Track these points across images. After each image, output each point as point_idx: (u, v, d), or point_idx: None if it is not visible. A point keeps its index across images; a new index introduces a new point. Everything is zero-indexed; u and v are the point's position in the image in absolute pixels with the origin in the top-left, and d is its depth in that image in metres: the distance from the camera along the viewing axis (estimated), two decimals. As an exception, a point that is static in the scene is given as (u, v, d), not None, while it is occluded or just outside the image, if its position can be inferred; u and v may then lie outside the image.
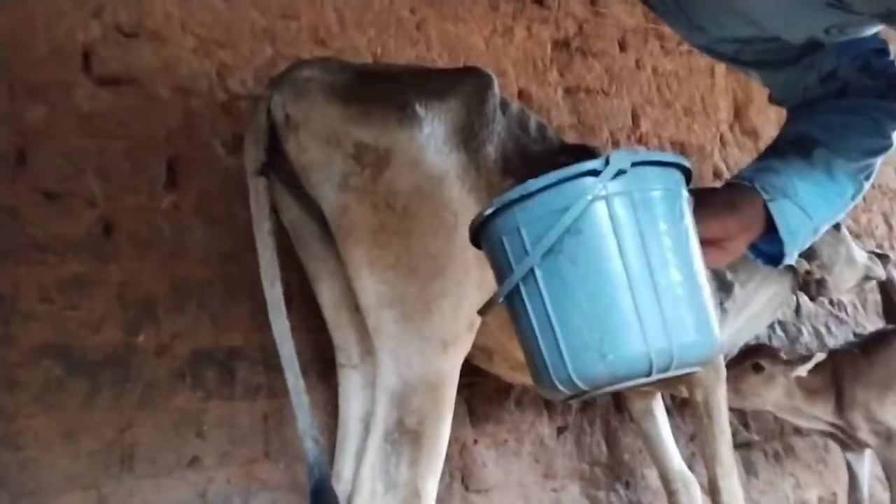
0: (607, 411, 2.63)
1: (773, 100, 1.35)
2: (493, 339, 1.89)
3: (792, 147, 1.22)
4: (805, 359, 2.60)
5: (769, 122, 3.27)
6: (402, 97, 1.56)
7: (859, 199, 1.24)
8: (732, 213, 1.14)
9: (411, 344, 1.57)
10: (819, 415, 2.67)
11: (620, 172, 0.94)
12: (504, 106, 1.77)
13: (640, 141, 2.84)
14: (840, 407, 2.65)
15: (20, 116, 1.88)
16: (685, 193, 1.02)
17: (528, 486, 2.41)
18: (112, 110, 1.98)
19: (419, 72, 1.77)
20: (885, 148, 1.21)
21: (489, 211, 1.03)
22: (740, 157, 3.20)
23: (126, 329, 1.90)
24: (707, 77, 3.13)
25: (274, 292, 1.66)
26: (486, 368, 2.05)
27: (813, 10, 1.02)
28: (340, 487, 1.72)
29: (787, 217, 1.15)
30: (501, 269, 1.03)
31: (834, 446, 3.12)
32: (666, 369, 0.95)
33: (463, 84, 1.65)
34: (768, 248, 1.19)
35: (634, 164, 0.97)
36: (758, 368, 2.51)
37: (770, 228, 1.16)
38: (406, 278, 1.57)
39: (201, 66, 2.09)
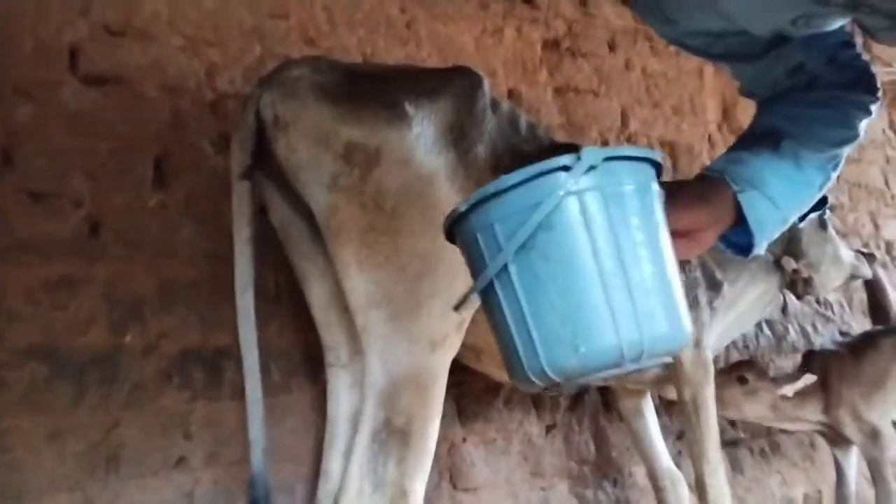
0: (596, 410, 2.64)
1: (742, 92, 1.37)
2: (482, 339, 1.89)
3: (761, 139, 1.23)
4: (792, 378, 2.63)
5: (757, 121, 3.28)
6: (393, 97, 1.57)
7: (826, 189, 1.26)
8: (702, 205, 1.15)
9: (399, 344, 1.58)
10: (807, 415, 2.69)
11: (592, 168, 0.95)
12: (494, 105, 1.78)
13: (629, 141, 2.85)
14: (828, 405, 2.68)
15: (6, 116, 1.86)
16: (656, 187, 1.03)
17: (516, 484, 2.42)
18: (99, 109, 1.97)
19: (409, 71, 1.77)
20: (852, 139, 1.24)
21: (464, 207, 1.04)
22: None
23: (113, 329, 1.89)
24: (696, 78, 3.15)
25: (245, 299, 1.67)
26: (474, 367, 2.05)
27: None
28: (328, 486, 1.74)
29: (756, 208, 1.17)
30: (476, 264, 1.04)
31: (820, 444, 3.16)
32: (637, 360, 0.98)
33: (453, 84, 1.66)
34: (738, 239, 1.21)
35: (606, 160, 0.98)
36: (742, 381, 2.54)
37: (740, 220, 1.18)
38: (395, 278, 1.58)
39: (189, 65, 2.08)
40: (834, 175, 1.26)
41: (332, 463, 1.76)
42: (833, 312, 3.45)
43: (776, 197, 1.19)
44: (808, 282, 2.74)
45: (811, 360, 2.89)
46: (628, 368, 1.00)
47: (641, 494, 2.65)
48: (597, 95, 2.85)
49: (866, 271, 2.78)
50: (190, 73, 2.11)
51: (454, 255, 1.60)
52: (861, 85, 1.25)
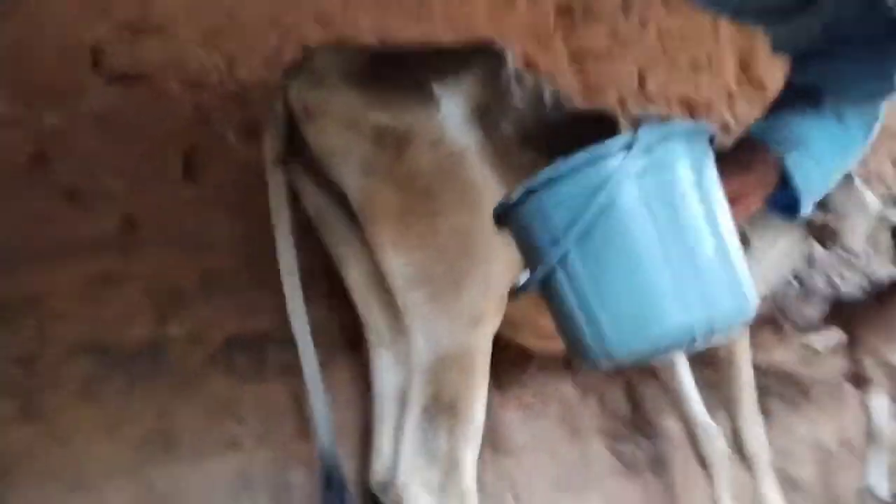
0: (630, 370, 2.68)
1: (774, 50, 1.36)
2: (522, 313, 1.93)
3: (799, 98, 1.24)
4: (820, 329, 2.66)
5: (775, 74, 3.25)
6: (418, 79, 1.58)
7: (869, 143, 1.26)
8: (746, 171, 1.17)
9: (442, 322, 1.62)
10: (834, 361, 2.73)
11: (647, 148, 0.95)
12: (518, 78, 1.78)
13: (647, 101, 2.84)
14: (853, 350, 2.71)
15: (37, 120, 1.90)
16: (711, 160, 1.03)
17: (554, 444, 2.47)
18: (124, 108, 2.00)
19: (432, 51, 1.77)
20: (891, 90, 1.23)
21: (517, 195, 1.04)
22: (749, 110, 3.18)
23: (157, 321, 1.95)
24: (712, 34, 3.11)
25: (292, 282, 1.71)
26: (512, 339, 2.09)
27: None
28: (380, 462, 1.80)
29: (801, 169, 1.18)
30: (531, 253, 1.04)
31: (849, 390, 3.19)
32: (708, 336, 0.98)
33: (477, 61, 1.67)
34: (784, 201, 1.22)
35: (662, 138, 0.99)
36: (776, 329, 2.57)
37: (783, 182, 1.19)
38: (433, 258, 1.61)
39: (209, 58, 2.10)
40: (877, 128, 1.26)
41: (383, 440, 1.82)
42: (859, 260, 3.44)
43: (820, 155, 1.20)
44: (834, 231, 2.75)
45: (838, 309, 2.92)
46: (699, 347, 1.01)
47: (675, 448, 2.70)
48: (613, 58, 2.83)
49: (894, 217, 2.78)
50: (210, 67, 2.13)
51: (490, 233, 1.66)
52: (895, 36, 1.24)
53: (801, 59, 1.29)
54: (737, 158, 1.18)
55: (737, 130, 2.92)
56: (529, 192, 1.03)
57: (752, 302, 1.02)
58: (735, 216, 1.08)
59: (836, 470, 3.05)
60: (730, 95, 3.13)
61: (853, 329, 2.73)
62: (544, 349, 2.23)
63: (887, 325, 2.78)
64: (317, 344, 2.09)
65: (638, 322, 0.95)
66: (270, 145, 1.72)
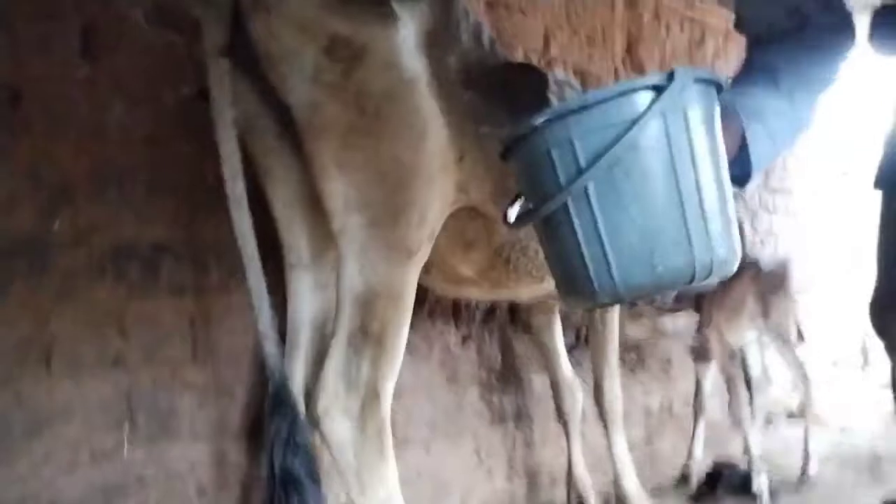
0: (504, 323, 2.77)
1: (738, 27, 1.47)
2: (436, 253, 1.91)
3: (760, 74, 1.34)
4: (672, 310, 2.93)
5: (654, 61, 3.48)
6: None
7: (809, 128, 1.40)
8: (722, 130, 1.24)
9: (378, 250, 1.57)
10: (682, 334, 3.02)
11: (681, 89, 0.98)
12: (465, 14, 1.74)
13: (549, 66, 2.90)
14: (700, 326, 3.01)
15: None
16: (718, 111, 1.09)
17: (434, 389, 2.51)
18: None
19: None
20: (832, 82, 1.38)
21: (539, 120, 1.03)
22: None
23: (39, 215, 1.69)
24: (608, 9, 3.24)
25: (236, 189, 1.57)
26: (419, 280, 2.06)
27: None
28: (293, 387, 1.70)
29: (758, 141, 1.27)
30: (545, 181, 1.03)
31: (676, 360, 3.55)
32: (704, 279, 1.04)
33: None
34: (736, 171, 1.31)
35: (695, 81, 1.02)
36: (631, 306, 2.78)
37: (741, 150, 1.28)
38: (374, 184, 1.55)
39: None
40: (814, 117, 1.40)
41: (295, 365, 1.73)
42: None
43: (775, 132, 1.30)
44: None
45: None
46: (694, 287, 1.06)
47: (538, 402, 2.85)
48: (524, 14, 2.86)
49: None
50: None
51: (431, 165, 1.62)
52: (846, 31, 1.38)
53: (761, 39, 1.40)
54: None
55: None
56: (551, 120, 1.02)
57: (740, 251, 1.09)
58: None
59: (658, 430, 3.39)
60: (616, 73, 3.30)
61: (704, 308, 3.03)
62: (447, 292, 2.24)
63: (730, 306, 3.12)
64: (217, 262, 1.96)
65: (645, 259, 0.97)
66: (214, 33, 1.53)
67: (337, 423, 1.55)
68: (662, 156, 0.97)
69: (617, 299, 1.07)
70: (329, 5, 1.46)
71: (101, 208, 1.78)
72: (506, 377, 2.77)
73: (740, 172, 1.27)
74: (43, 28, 1.73)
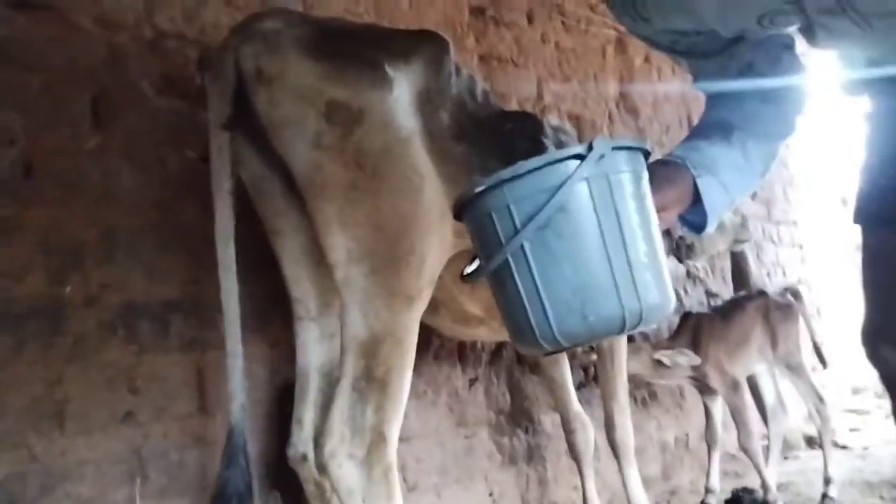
0: (511, 364, 2.80)
1: (695, 84, 1.54)
2: (445, 292, 1.96)
3: (714, 130, 1.40)
4: (669, 345, 2.97)
5: (647, 103, 3.57)
6: (373, 57, 1.58)
7: (767, 177, 1.46)
8: (671, 186, 1.29)
9: (380, 297, 1.62)
10: (680, 371, 3.01)
11: (601, 156, 1.06)
12: (457, 71, 1.83)
13: (542, 113, 2.99)
14: (700, 362, 3.01)
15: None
16: (646, 174, 1.16)
17: (443, 433, 2.53)
18: (30, 40, 1.79)
19: (380, 32, 1.78)
20: (790, 133, 1.44)
21: (479, 188, 1.11)
22: (624, 133, 3.46)
23: (51, 278, 1.76)
24: (599, 56, 3.35)
25: (227, 253, 1.65)
26: (426, 322, 2.11)
27: None
28: (303, 434, 1.78)
29: (711, 192, 1.33)
30: (489, 241, 1.12)
31: (688, 393, 3.55)
32: (635, 326, 1.11)
33: (424, 47, 1.70)
34: (693, 219, 1.37)
35: (613, 149, 1.10)
36: (629, 340, 2.80)
37: (696, 201, 1.34)
38: (375, 236, 1.61)
39: (127, -2, 1.94)
40: (773, 165, 1.45)
41: (305, 412, 1.78)
42: (700, 277, 3.85)
43: (727, 183, 1.36)
44: (690, 247, 3.06)
45: (686, 321, 3.23)
46: (626, 334, 1.12)
47: (549, 440, 2.85)
48: (517, 65, 2.96)
49: (748, 235, 3.13)
50: (128, 8, 1.96)
51: (429, 216, 1.69)
52: (798, 85, 1.44)
53: (716, 96, 1.46)
54: (665, 175, 1.32)
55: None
56: (491, 187, 1.09)
57: (673, 300, 1.17)
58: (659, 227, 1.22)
59: (674, 465, 3.37)
60: (610, 116, 3.38)
61: (698, 341, 3.04)
62: (455, 333, 2.28)
63: (734, 339, 3.14)
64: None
65: (577, 310, 1.06)
66: (217, 105, 1.63)
67: (344, 467, 1.59)
68: (589, 217, 1.05)
69: (558, 347, 1.12)
70: (327, 74, 1.56)
71: (110, 270, 1.86)
72: (515, 418, 2.78)
73: (699, 221, 1.33)
74: (54, 99, 1.83)
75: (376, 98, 1.57)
